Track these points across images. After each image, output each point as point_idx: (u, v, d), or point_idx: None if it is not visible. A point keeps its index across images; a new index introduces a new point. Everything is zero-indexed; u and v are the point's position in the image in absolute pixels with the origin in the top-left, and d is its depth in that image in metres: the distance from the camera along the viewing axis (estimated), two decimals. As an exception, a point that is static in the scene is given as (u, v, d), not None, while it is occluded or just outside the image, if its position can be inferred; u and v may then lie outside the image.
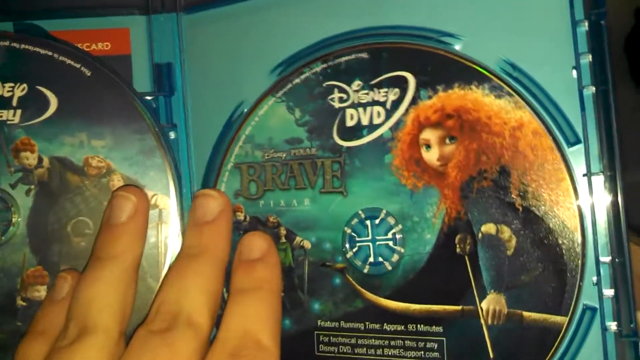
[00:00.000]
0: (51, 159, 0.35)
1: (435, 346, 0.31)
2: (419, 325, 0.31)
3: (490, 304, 0.30)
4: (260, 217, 0.35)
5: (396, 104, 0.32)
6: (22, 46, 0.36)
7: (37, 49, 0.35)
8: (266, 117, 0.35)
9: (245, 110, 0.35)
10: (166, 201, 0.35)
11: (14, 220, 0.35)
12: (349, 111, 0.33)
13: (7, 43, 0.36)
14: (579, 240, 0.29)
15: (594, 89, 0.28)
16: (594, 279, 0.28)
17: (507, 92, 0.30)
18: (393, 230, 0.32)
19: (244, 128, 0.35)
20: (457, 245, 0.31)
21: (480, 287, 0.30)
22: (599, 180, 0.28)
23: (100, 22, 0.36)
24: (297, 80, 0.34)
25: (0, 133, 0.35)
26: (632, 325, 0.28)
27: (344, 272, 0.33)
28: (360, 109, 0.33)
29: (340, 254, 0.33)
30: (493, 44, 0.30)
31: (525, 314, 0.30)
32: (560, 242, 0.29)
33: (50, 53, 0.35)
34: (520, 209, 0.30)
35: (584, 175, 0.29)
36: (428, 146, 0.31)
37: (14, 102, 0.35)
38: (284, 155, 0.34)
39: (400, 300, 0.32)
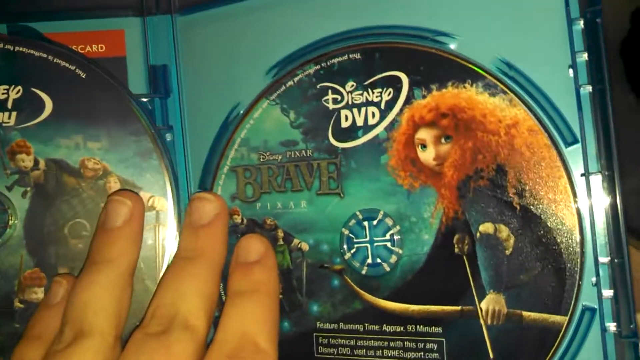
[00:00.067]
0: (47, 161, 0.35)
1: (435, 347, 0.31)
2: (418, 326, 0.31)
3: (490, 304, 0.30)
4: (257, 219, 0.35)
5: (390, 104, 0.32)
6: (17, 48, 0.35)
7: (32, 51, 0.35)
8: (261, 120, 0.35)
9: (241, 112, 0.35)
10: (163, 203, 0.35)
11: (10, 222, 0.35)
12: (344, 112, 0.33)
13: (1, 45, 0.35)
14: (578, 239, 0.29)
15: (590, 87, 0.28)
16: (593, 279, 0.28)
17: (501, 90, 0.30)
18: (391, 231, 0.32)
19: (239, 131, 0.35)
20: (456, 245, 0.31)
21: (479, 287, 0.30)
22: (597, 180, 0.28)
23: (95, 24, 0.36)
24: (290, 83, 0.34)
25: (-5, 135, 0.35)
26: (631, 326, 0.27)
27: (342, 274, 0.33)
28: (355, 110, 0.33)
29: (338, 256, 0.33)
30: (488, 42, 0.30)
31: (525, 313, 0.29)
32: (559, 241, 0.29)
33: (44, 55, 0.35)
34: (518, 207, 0.30)
35: (582, 175, 0.29)
36: (424, 146, 0.31)
37: (9, 105, 0.35)
38: (280, 157, 0.34)
39: (399, 301, 0.32)
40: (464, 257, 0.31)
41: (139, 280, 0.33)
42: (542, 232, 0.29)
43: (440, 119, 0.31)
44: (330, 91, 0.33)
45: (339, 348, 0.33)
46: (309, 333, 0.33)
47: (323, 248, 0.33)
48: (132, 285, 0.30)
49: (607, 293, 0.28)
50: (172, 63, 0.36)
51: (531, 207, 0.29)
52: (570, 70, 0.29)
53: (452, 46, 0.31)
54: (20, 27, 0.36)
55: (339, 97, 0.33)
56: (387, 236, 0.32)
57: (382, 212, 0.32)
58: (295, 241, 0.34)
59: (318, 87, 0.33)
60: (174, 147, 0.36)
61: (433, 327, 0.31)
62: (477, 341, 0.30)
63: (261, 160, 0.34)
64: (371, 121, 0.32)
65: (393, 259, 0.32)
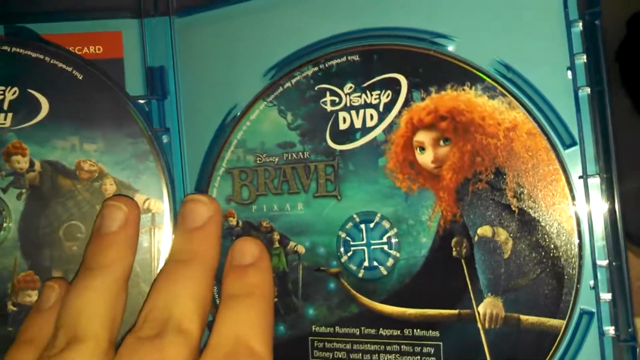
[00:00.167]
0: (43, 163, 0.35)
1: (432, 351, 0.31)
2: (415, 330, 0.31)
3: (488, 307, 0.30)
4: (253, 222, 0.34)
5: (389, 106, 0.32)
6: (14, 49, 0.35)
7: (29, 52, 0.35)
8: (258, 121, 0.34)
9: (238, 114, 0.35)
10: (159, 205, 0.35)
11: (5, 224, 0.35)
12: (342, 114, 0.33)
13: (-2, 46, 0.35)
14: (576, 242, 0.29)
15: (589, 89, 0.28)
16: (591, 282, 0.28)
17: (500, 93, 0.30)
18: (388, 234, 0.32)
19: (235, 133, 0.35)
20: (453, 249, 0.31)
21: (477, 290, 0.30)
22: (595, 183, 0.28)
23: (93, 25, 0.36)
24: (288, 84, 0.34)
25: (-10, 137, 0.35)
26: (630, 330, 0.27)
27: (338, 277, 0.33)
28: (353, 112, 0.33)
29: (335, 259, 0.33)
30: (486, 44, 0.30)
31: (523, 317, 0.29)
32: (557, 244, 0.29)
33: (41, 56, 0.35)
34: (517, 211, 0.29)
35: (580, 177, 0.29)
36: (422, 148, 0.31)
37: (5, 106, 0.35)
38: (277, 159, 0.34)
39: (396, 305, 0.32)
40: (462, 261, 0.30)
41: (134, 284, 0.33)
42: (540, 235, 0.29)
43: (439, 122, 0.31)
44: (328, 93, 0.33)
45: (335, 352, 0.33)
46: (305, 337, 0.33)
47: (319, 251, 0.33)
48: (127, 290, 0.29)
49: (605, 296, 0.28)
50: (170, 65, 0.36)
51: (529, 210, 0.29)
52: (569, 72, 0.29)
53: (450, 48, 0.31)
54: (17, 28, 0.36)
55: (337, 99, 0.33)
56: (384, 239, 0.32)
57: (379, 215, 0.32)
58: (292, 244, 0.34)
59: (316, 88, 0.33)
60: (171, 149, 0.36)
61: (430, 331, 0.31)
62: (475, 345, 0.30)
63: (258, 162, 0.34)
64: (369, 123, 0.32)
65: (390, 262, 0.32)
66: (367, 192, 0.32)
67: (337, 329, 0.33)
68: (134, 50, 0.36)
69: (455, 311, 0.30)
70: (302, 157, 0.33)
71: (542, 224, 0.29)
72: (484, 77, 0.30)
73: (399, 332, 0.31)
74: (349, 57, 0.33)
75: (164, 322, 0.26)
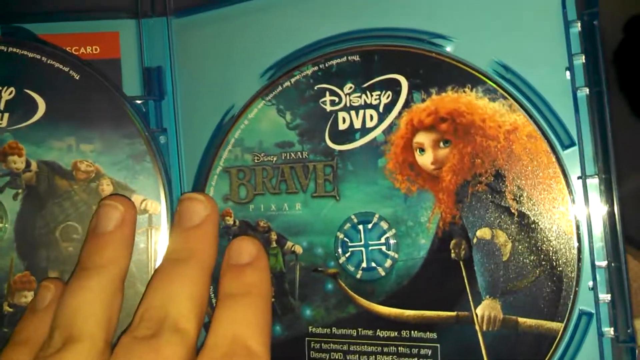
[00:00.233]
0: (39, 163, 0.35)
1: (429, 352, 0.31)
2: (412, 332, 0.31)
3: (486, 309, 0.30)
4: (251, 221, 0.34)
5: (389, 107, 0.32)
6: (10, 49, 0.35)
7: (25, 52, 0.35)
8: (256, 120, 0.34)
9: (236, 112, 0.35)
10: (156, 206, 0.35)
11: (1, 224, 0.34)
12: (341, 114, 0.33)
13: (-6, 46, 0.35)
14: (575, 244, 0.28)
15: (587, 90, 0.28)
16: (590, 284, 0.28)
17: (501, 95, 0.30)
18: (386, 235, 0.32)
19: (233, 131, 0.35)
20: (452, 251, 0.31)
21: (475, 292, 0.30)
22: (594, 183, 0.28)
23: (90, 25, 0.36)
24: (287, 84, 0.34)
25: (-13, 137, 0.35)
26: (629, 331, 0.27)
27: (336, 278, 0.33)
28: (353, 112, 0.32)
29: (333, 259, 0.33)
30: (485, 45, 0.30)
31: (521, 319, 0.29)
32: (555, 246, 0.29)
33: (38, 56, 0.35)
34: (516, 213, 0.29)
35: (578, 177, 0.28)
36: (422, 150, 0.31)
37: (2, 106, 0.35)
38: (275, 158, 0.34)
39: (393, 306, 0.32)
40: (461, 263, 0.30)
41: (131, 285, 0.33)
42: (539, 237, 0.29)
43: (439, 123, 0.31)
44: (327, 93, 0.33)
45: (332, 353, 0.32)
46: (301, 337, 0.33)
47: (317, 251, 0.33)
48: (123, 290, 0.29)
49: (604, 297, 0.28)
50: (167, 65, 0.36)
51: (529, 212, 0.29)
52: (567, 73, 0.29)
53: (449, 48, 0.31)
54: (14, 28, 0.36)
55: (337, 99, 0.33)
56: (383, 240, 0.32)
57: (377, 216, 0.32)
58: (289, 244, 0.33)
59: (315, 88, 0.33)
60: (168, 150, 0.36)
61: (428, 333, 0.31)
62: (472, 347, 0.30)
63: (255, 161, 0.34)
64: (369, 124, 0.32)
65: (388, 263, 0.32)
66: (366, 192, 0.32)
67: (334, 330, 0.32)
68: (131, 50, 0.36)
69: (453, 313, 0.30)
70: (300, 156, 0.33)
71: (541, 226, 0.29)
72: (485, 79, 0.30)
73: (396, 333, 0.31)
74: (349, 57, 0.33)
75: (160, 321, 0.26)
